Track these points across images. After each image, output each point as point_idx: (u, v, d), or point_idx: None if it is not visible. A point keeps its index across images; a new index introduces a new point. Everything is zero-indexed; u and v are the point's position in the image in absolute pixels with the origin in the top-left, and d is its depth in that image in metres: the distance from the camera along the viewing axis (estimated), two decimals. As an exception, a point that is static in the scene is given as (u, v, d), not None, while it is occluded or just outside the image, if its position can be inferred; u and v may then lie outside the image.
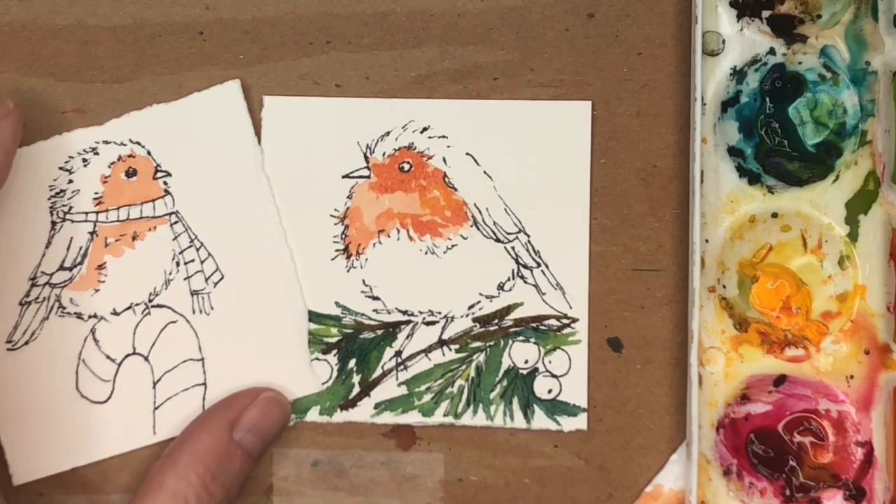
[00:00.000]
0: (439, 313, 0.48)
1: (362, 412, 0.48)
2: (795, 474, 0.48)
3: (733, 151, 0.48)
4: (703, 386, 0.48)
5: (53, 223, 0.48)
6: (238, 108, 0.48)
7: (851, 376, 0.48)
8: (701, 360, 0.47)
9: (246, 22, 0.49)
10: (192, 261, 0.48)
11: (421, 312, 0.48)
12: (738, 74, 0.48)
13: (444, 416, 0.48)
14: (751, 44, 0.48)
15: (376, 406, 0.48)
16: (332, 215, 0.48)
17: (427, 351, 0.48)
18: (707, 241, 0.48)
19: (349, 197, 0.48)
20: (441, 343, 0.48)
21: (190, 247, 0.48)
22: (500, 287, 0.48)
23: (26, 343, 0.48)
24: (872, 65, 0.48)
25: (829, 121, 0.48)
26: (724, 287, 0.48)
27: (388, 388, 0.48)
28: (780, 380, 0.48)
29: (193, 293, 0.48)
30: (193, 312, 0.48)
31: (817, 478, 0.48)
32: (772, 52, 0.48)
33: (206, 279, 0.48)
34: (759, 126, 0.48)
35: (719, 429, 0.48)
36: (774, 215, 0.48)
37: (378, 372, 0.48)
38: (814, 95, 0.48)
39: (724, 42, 0.48)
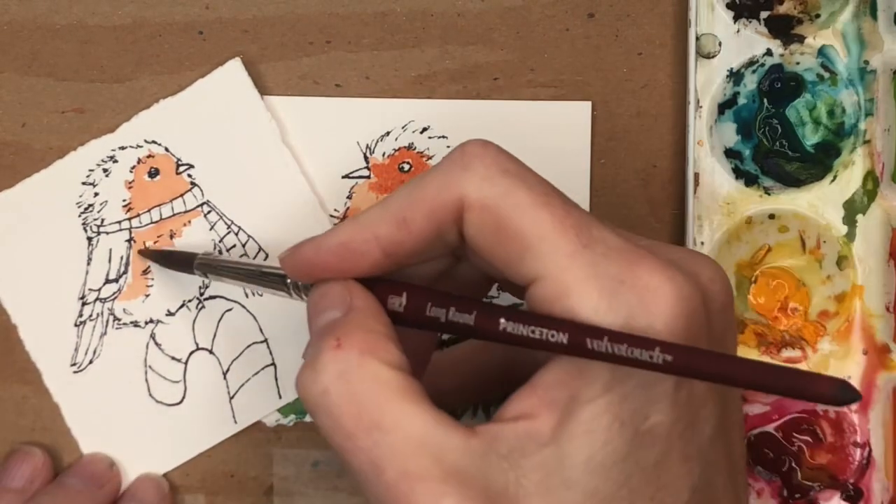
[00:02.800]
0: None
1: (362, 412, 0.48)
2: (793, 475, 0.48)
3: (730, 153, 0.48)
4: (702, 386, 0.48)
5: (89, 239, 0.48)
6: (244, 84, 0.48)
7: (849, 377, 0.48)
8: (699, 361, 0.47)
9: (246, 22, 0.48)
10: (234, 246, 0.48)
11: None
12: (735, 76, 0.48)
13: (444, 415, 0.48)
14: (748, 45, 0.48)
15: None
16: (332, 215, 0.48)
17: (427, 351, 0.48)
18: (703, 243, 0.48)
19: (349, 197, 0.49)
20: (441, 343, 0.48)
21: (228, 233, 0.48)
22: (501, 287, 0.48)
23: (91, 362, 0.48)
24: (871, 64, 0.48)
25: (828, 121, 0.48)
26: (723, 288, 0.48)
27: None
28: (779, 380, 0.48)
29: None
30: (247, 296, 0.48)
31: (815, 478, 0.48)
32: (769, 52, 0.48)
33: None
34: (758, 127, 0.48)
35: (717, 429, 0.48)
36: (772, 216, 0.48)
37: (378, 372, 0.48)
38: (812, 96, 0.48)
39: (720, 44, 0.48)
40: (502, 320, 0.33)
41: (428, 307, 0.34)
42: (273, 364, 0.48)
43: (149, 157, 0.48)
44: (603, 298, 0.32)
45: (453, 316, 0.34)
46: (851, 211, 0.48)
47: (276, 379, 0.48)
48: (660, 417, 0.32)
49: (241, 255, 0.48)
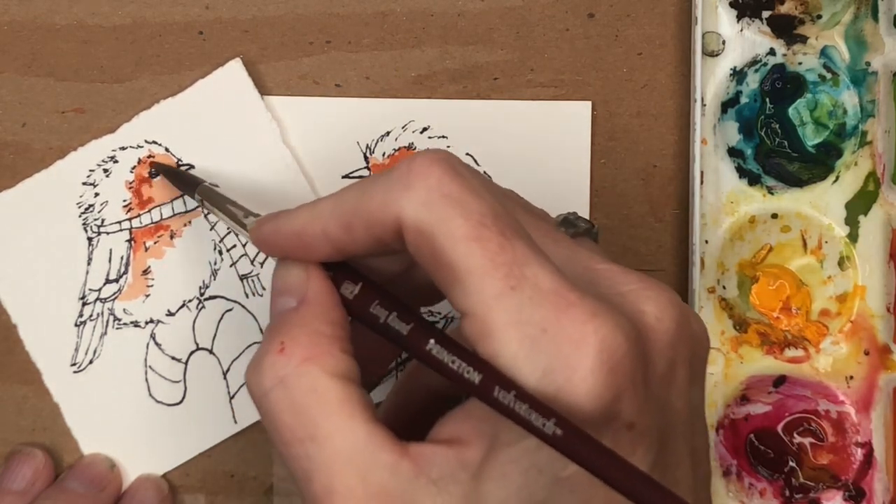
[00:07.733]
0: (438, 313, 0.48)
1: (362, 412, 0.48)
2: (795, 475, 0.48)
3: (733, 152, 0.48)
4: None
5: (89, 239, 0.48)
6: (245, 85, 0.48)
7: (851, 377, 0.48)
8: (701, 361, 0.47)
9: (246, 22, 0.48)
10: (234, 246, 0.48)
11: (420, 312, 0.48)
12: (738, 75, 0.48)
13: (444, 416, 0.48)
14: (751, 44, 0.48)
15: (377, 405, 0.48)
16: (332, 215, 0.48)
17: (427, 351, 0.48)
18: (707, 241, 0.48)
19: (349, 197, 0.48)
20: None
21: (229, 233, 0.48)
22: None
23: (91, 362, 0.48)
24: (872, 65, 0.48)
25: (830, 121, 0.48)
26: (724, 288, 0.48)
27: (388, 388, 0.48)
28: (780, 380, 0.48)
29: (242, 278, 0.48)
30: (247, 296, 0.48)
31: (817, 478, 0.48)
32: (772, 52, 0.48)
33: (252, 261, 0.48)
34: (760, 127, 0.48)
35: (719, 429, 0.48)
36: (774, 216, 0.48)
37: (378, 372, 0.48)
38: (814, 96, 0.48)
39: (724, 43, 0.48)
40: (431, 341, 0.32)
41: (373, 304, 0.34)
42: None
43: (149, 157, 0.48)
44: (523, 347, 0.31)
45: (391, 321, 0.33)
46: (853, 212, 0.48)
47: None
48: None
49: (242, 256, 0.48)
